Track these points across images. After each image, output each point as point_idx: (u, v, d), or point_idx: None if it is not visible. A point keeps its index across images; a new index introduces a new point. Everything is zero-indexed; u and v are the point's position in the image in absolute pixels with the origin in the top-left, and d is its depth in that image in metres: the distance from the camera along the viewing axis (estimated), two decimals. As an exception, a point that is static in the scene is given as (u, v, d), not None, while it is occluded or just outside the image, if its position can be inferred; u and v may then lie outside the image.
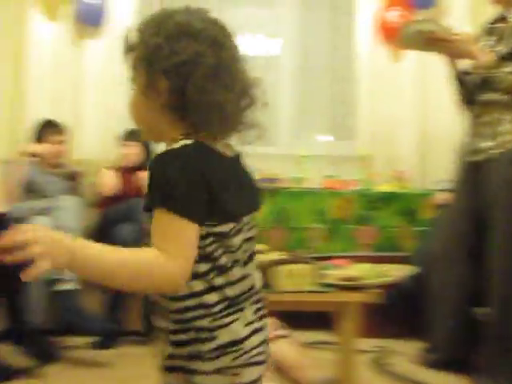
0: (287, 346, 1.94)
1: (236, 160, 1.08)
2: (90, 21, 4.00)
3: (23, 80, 3.98)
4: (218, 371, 0.99)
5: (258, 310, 1.06)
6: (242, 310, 1.02)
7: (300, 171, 3.86)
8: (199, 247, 0.97)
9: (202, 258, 0.98)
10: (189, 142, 0.98)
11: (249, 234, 1.06)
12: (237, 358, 1.00)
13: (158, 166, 0.97)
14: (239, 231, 1.02)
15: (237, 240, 1.02)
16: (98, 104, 4.03)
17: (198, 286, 0.99)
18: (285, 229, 3.51)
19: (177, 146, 0.97)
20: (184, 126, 1.02)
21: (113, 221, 3.23)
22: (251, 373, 1.02)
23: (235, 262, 1.02)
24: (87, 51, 4.04)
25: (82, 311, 2.76)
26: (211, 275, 0.99)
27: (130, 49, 1.05)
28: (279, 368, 1.85)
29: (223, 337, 0.99)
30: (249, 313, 1.03)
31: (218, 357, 0.99)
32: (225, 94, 1.00)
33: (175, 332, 1.01)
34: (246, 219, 1.04)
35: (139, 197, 3.17)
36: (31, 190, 3.26)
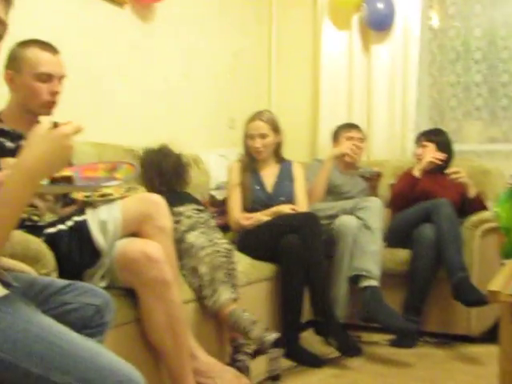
0: None
1: None
2: (378, 26, 4.10)
3: (319, 86, 4.31)
4: None
5: None
6: None
7: None
8: None
9: None
10: None
11: None
12: None
13: None
14: None
15: None
16: (386, 107, 4.11)
17: None
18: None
19: None
20: None
21: (413, 221, 3.20)
22: None
23: None
24: (375, 56, 4.16)
25: (386, 308, 2.79)
26: None
27: None
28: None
29: None
30: None
31: None
32: None
33: None
34: None
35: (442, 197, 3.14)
36: (333, 191, 3.43)
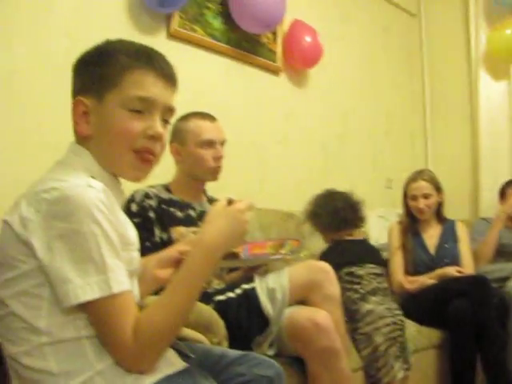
0: None
1: None
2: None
3: (478, 141, 4.13)
4: None
5: None
6: None
7: None
8: None
9: None
10: None
11: None
12: None
13: None
14: None
15: None
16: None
17: None
18: None
19: None
20: None
21: None
22: None
23: None
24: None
25: None
26: None
27: None
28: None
29: None
30: None
31: None
32: None
33: None
34: None
35: None
36: (501, 251, 3.22)
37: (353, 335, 2.28)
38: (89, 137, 1.15)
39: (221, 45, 2.94)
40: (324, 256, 2.48)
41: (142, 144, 1.15)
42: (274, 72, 3.28)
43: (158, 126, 1.17)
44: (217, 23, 2.92)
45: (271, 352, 1.87)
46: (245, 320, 1.87)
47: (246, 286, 1.94)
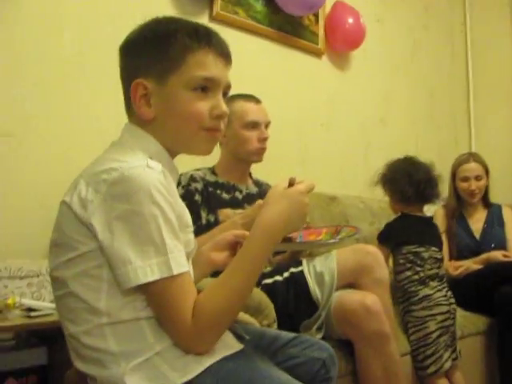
0: None
1: None
2: None
3: None
4: None
5: None
6: None
7: None
8: None
9: None
10: None
11: None
12: None
13: None
14: None
15: None
16: None
17: None
18: None
19: None
20: None
21: None
22: None
23: None
24: None
25: None
26: None
27: None
28: None
29: None
30: None
31: None
32: None
33: None
34: None
35: None
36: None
37: (405, 317, 2.26)
38: (151, 119, 1.14)
39: (263, 27, 2.92)
40: (391, 227, 2.43)
41: (210, 123, 1.16)
42: (316, 54, 3.24)
43: (223, 105, 1.17)
44: (259, 6, 2.89)
45: (319, 335, 1.87)
46: (293, 304, 1.87)
47: (294, 270, 1.94)
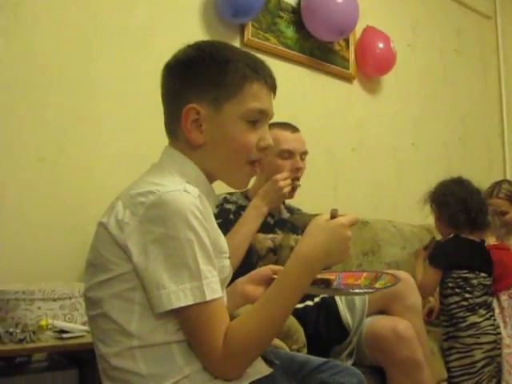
0: None
1: None
2: None
3: None
4: None
5: None
6: None
7: None
8: None
9: None
10: None
11: None
12: None
13: None
14: None
15: None
16: None
17: None
18: None
19: None
20: None
21: None
22: None
23: None
24: None
25: None
26: None
27: None
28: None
29: None
30: None
31: None
32: None
33: None
34: None
35: None
36: None
37: (449, 342, 2.22)
38: (200, 145, 1.14)
39: (294, 53, 2.94)
40: (443, 248, 2.38)
41: (256, 156, 1.17)
42: (347, 79, 3.26)
43: (270, 138, 1.18)
44: (290, 32, 2.92)
45: (350, 362, 1.84)
46: (324, 329, 1.86)
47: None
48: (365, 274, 1.33)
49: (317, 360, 1.39)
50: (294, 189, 2.07)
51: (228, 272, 1.19)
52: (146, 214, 1.01)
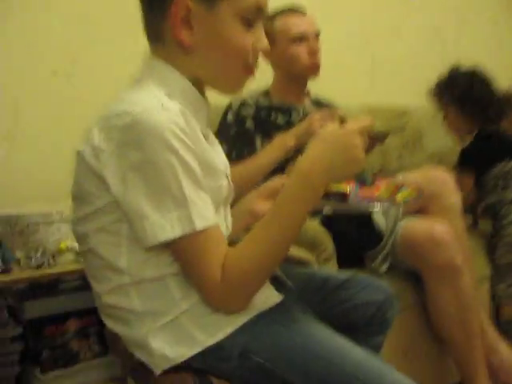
0: None
1: None
2: None
3: None
4: None
5: None
6: None
7: None
8: None
9: None
10: None
11: None
12: None
13: None
14: None
15: None
16: None
17: None
18: None
19: None
20: None
21: None
22: None
23: None
24: None
25: None
26: None
27: None
28: None
29: None
30: None
31: None
32: None
33: None
34: None
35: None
36: None
37: (493, 240, 2.11)
38: (187, 47, 0.98)
39: None
40: (472, 150, 2.22)
41: (252, 59, 1.02)
42: None
43: (266, 40, 1.03)
44: None
45: (384, 266, 1.74)
46: (355, 235, 1.75)
47: (355, 198, 1.80)
48: (385, 185, 1.18)
49: (339, 276, 1.28)
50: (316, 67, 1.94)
51: (228, 191, 1.07)
52: (121, 139, 0.88)
